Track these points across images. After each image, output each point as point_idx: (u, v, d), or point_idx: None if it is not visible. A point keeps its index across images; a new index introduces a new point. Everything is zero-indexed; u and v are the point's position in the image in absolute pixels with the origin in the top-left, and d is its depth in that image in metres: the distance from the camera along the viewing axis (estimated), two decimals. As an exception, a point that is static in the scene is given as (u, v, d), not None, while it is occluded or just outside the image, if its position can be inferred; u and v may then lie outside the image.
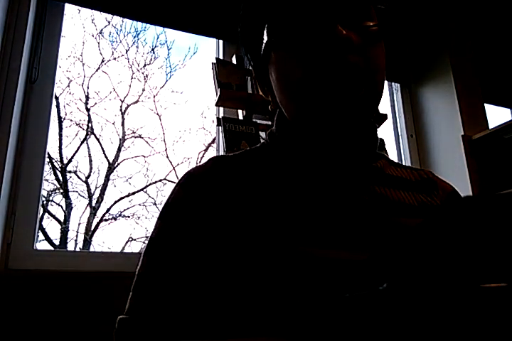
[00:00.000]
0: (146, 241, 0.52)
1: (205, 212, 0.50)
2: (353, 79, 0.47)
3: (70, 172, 2.89)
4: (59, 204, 2.80)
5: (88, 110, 2.94)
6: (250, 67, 0.61)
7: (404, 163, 2.04)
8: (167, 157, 3.06)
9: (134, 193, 2.92)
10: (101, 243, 2.88)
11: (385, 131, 2.20)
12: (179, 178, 0.55)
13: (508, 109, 2.68)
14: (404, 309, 0.30)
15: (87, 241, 2.76)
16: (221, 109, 1.74)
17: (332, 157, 0.54)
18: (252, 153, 0.58)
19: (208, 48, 2.12)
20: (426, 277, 0.30)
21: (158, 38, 3.22)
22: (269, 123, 1.60)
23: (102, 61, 3.02)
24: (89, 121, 2.93)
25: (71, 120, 2.86)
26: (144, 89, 3.09)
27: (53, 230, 2.98)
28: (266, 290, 0.43)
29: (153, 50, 3.18)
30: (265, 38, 0.52)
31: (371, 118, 0.55)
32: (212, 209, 0.49)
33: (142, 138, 3.05)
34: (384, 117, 1.73)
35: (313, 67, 0.48)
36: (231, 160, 0.55)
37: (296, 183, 0.51)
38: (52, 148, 2.75)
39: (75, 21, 2.80)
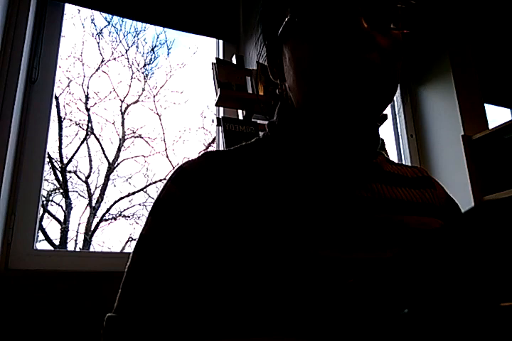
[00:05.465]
0: (137, 238, 0.51)
1: (199, 208, 0.48)
2: (366, 77, 0.46)
3: (70, 172, 2.89)
4: (59, 204, 2.80)
5: (88, 110, 2.94)
6: (263, 47, 0.59)
7: (404, 163, 2.04)
8: (167, 157, 3.06)
9: (134, 193, 2.92)
10: (101, 243, 2.89)
11: (385, 131, 2.20)
12: (171, 173, 0.53)
13: (508, 109, 2.68)
14: (427, 333, 0.30)
15: (87, 241, 2.76)
16: (221, 109, 1.74)
17: (333, 151, 0.53)
18: (248, 148, 0.56)
19: (208, 48, 2.12)
20: (446, 299, 0.29)
21: (158, 37, 3.22)
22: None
23: (102, 61, 3.02)
24: (89, 121, 2.93)
25: (71, 120, 2.86)
26: (143, 89, 3.09)
27: (53, 230, 2.98)
28: (277, 289, 0.42)
29: (153, 49, 3.18)
30: (287, 16, 0.50)
31: (377, 116, 0.53)
32: (207, 205, 0.48)
33: (142, 138, 3.05)
34: (384, 117, 1.73)
35: (330, 55, 0.47)
36: (225, 155, 0.54)
37: (295, 179, 0.51)
38: (52, 148, 2.75)
39: (75, 21, 2.80)
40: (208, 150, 3.02)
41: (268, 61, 0.58)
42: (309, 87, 0.49)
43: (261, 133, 0.62)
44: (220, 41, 1.93)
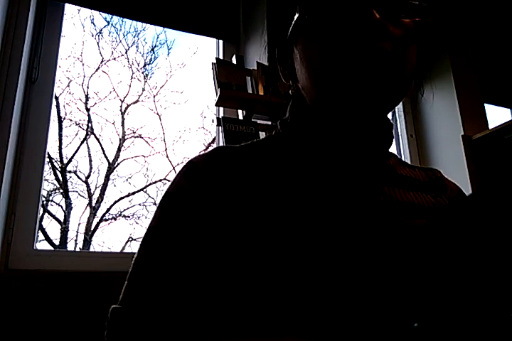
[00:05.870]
0: (145, 231, 0.50)
1: (208, 202, 0.48)
2: (381, 66, 0.45)
3: (69, 172, 2.89)
4: (59, 204, 2.80)
5: (88, 110, 2.94)
6: (270, 51, 0.59)
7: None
8: (167, 157, 3.06)
9: (134, 193, 2.92)
10: (101, 243, 2.89)
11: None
12: (181, 167, 0.53)
13: (508, 109, 2.68)
14: None
15: (87, 241, 2.76)
16: (221, 109, 1.73)
17: (346, 151, 0.52)
18: (259, 145, 0.56)
19: (208, 48, 2.12)
20: (455, 309, 0.29)
21: (158, 37, 3.22)
22: (269, 123, 1.60)
23: (102, 61, 3.02)
24: (89, 121, 2.93)
25: (71, 120, 2.87)
26: (143, 89, 3.09)
27: (53, 230, 2.98)
28: (284, 289, 0.41)
29: (153, 49, 3.18)
30: (296, 15, 0.50)
31: (392, 109, 0.52)
32: (216, 201, 0.48)
33: (142, 138, 3.05)
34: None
35: (343, 49, 0.46)
36: (236, 151, 0.54)
37: (306, 178, 0.50)
38: (52, 148, 2.75)
39: (75, 21, 2.80)
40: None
41: (279, 64, 0.58)
42: (323, 83, 0.49)
43: (261, 133, 0.61)
44: (220, 41, 1.92)
